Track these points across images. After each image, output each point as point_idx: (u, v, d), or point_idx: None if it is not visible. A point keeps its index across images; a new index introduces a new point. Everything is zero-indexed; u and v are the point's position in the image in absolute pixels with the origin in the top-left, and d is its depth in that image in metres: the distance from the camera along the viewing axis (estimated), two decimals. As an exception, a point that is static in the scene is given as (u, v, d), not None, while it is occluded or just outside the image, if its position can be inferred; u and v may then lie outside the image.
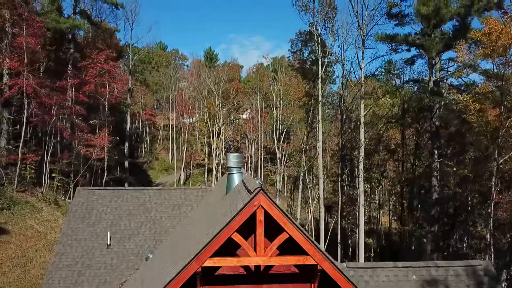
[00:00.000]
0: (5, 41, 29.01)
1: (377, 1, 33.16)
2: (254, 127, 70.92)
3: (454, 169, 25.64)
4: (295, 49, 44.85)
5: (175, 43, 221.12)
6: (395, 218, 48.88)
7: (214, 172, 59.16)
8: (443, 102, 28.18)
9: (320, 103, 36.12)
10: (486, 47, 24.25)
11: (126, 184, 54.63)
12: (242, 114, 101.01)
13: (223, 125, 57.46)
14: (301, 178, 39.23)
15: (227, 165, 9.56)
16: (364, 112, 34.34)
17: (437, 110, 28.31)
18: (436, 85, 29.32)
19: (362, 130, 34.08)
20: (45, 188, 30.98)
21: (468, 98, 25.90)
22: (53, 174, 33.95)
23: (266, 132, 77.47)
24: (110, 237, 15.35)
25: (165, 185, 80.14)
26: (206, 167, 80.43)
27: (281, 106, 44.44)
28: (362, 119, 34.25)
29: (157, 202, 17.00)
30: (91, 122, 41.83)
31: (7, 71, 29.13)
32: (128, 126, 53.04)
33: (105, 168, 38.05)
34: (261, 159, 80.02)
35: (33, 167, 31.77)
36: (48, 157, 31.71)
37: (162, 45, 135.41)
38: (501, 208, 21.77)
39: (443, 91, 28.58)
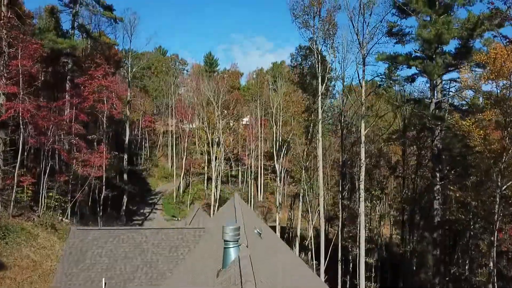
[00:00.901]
0: (1, 61, 28.57)
1: (378, 19, 32.78)
2: (254, 136, 70.49)
3: (457, 194, 25.23)
4: (295, 63, 44.41)
5: (176, 43, 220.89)
6: (396, 229, 48.56)
7: (213, 184, 58.59)
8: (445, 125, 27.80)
9: (320, 121, 35.70)
10: (492, 72, 23.89)
11: (125, 198, 54.35)
12: (242, 120, 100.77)
13: (222, 135, 56.88)
14: (301, 195, 38.81)
15: (223, 238, 9.12)
16: (364, 131, 33.98)
17: (439, 133, 27.90)
18: (438, 107, 28.93)
19: (362, 150, 33.67)
20: (42, 210, 30.58)
21: (471, 123, 25.48)
22: (50, 194, 33.57)
23: (267, 139, 77.10)
24: (105, 283, 14.97)
25: (164, 193, 79.84)
26: (206, 176, 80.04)
27: (280, 120, 43.99)
28: (362, 138, 33.83)
29: (154, 243, 16.60)
30: (90, 137, 41.48)
31: (2, 91, 28.73)
32: (127, 138, 52.57)
33: (103, 185, 37.58)
34: (261, 166, 79.70)
35: (30, 189, 31.37)
36: (46, 177, 31.34)
37: (161, 49, 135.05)
38: (504, 245, 21.35)
39: (445, 114, 28.15)
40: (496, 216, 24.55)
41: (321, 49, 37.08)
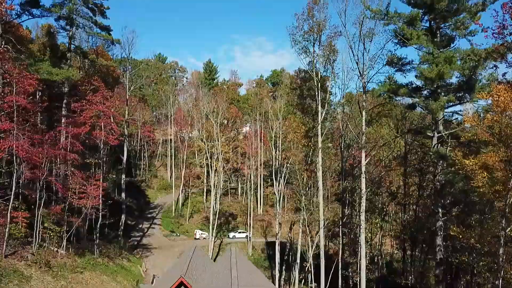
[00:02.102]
0: (-5, 94, 28.03)
1: (378, 47, 32.23)
2: (253, 151, 69.84)
3: (460, 236, 24.67)
4: (295, 86, 43.83)
5: (176, 45, 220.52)
6: (397, 246, 47.95)
7: (212, 198, 57.96)
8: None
9: (320, 150, 35.14)
10: (496, 114, 23.41)
11: (122, 217, 53.70)
12: (241, 129, 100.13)
13: (221, 149, 56.25)
14: (301, 221, 38.24)
15: None
16: (365, 161, 33.41)
17: (442, 169, 27.35)
18: (441, 141, 28.39)
19: (363, 180, 33.10)
20: (36, 244, 30.04)
21: (474, 163, 24.95)
22: (45, 224, 33.02)
23: (266, 148, 76.19)
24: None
25: (163, 206, 79.19)
26: (205, 188, 79.38)
27: (280, 143, 43.38)
28: (363, 169, 33.26)
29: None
30: (87, 160, 40.90)
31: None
32: (125, 157, 51.94)
33: (100, 214, 36.97)
34: (260, 177, 79.02)
35: (24, 222, 30.77)
36: (40, 209, 30.79)
37: (161, 56, 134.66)
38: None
39: (447, 150, 27.57)
40: (500, 258, 24.05)
41: (321, 75, 36.57)
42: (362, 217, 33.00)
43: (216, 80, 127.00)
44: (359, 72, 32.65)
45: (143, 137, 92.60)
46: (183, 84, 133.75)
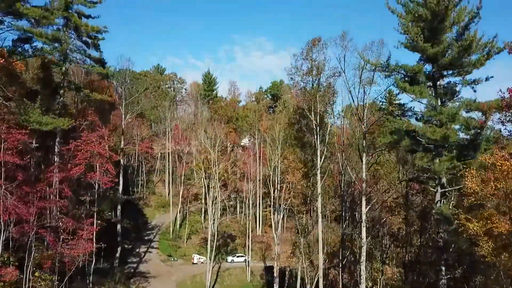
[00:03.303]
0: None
1: (377, 93, 31.44)
2: (252, 175, 68.78)
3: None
4: (294, 121, 42.93)
5: (178, 47, 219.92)
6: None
7: (210, 228, 56.97)
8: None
9: (320, 195, 34.20)
10: (498, 182, 22.50)
11: (118, 250, 52.62)
12: (241, 142, 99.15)
13: (218, 182, 55.27)
14: (299, 270, 37.31)
15: None
16: (366, 209, 32.48)
17: (444, 230, 26.39)
18: (444, 197, 27.44)
19: (363, 229, 32.27)
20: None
21: (479, 227, 24.01)
22: (36, 274, 32.07)
23: (265, 166, 74.96)
24: None
25: (161, 227, 78.18)
26: (203, 208, 78.30)
27: (278, 180, 42.34)
28: (363, 217, 32.43)
29: None
30: (81, 198, 39.97)
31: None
32: (121, 185, 50.98)
33: (93, 259, 36.04)
34: (259, 195, 78.00)
35: (14, 275, 29.79)
36: (31, 261, 29.84)
37: (159, 67, 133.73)
38: None
39: (450, 208, 26.60)
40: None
41: (321, 114, 35.65)
42: (363, 267, 32.14)
43: (215, 91, 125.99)
44: (359, 118, 31.80)
45: (141, 153, 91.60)
46: (182, 95, 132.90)
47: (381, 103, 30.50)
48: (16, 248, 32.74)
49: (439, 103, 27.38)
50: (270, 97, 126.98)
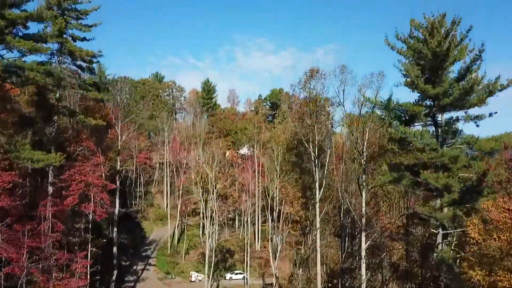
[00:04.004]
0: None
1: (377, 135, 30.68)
2: (251, 194, 67.96)
3: None
4: (292, 146, 42.20)
5: (178, 47, 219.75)
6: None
7: (207, 248, 56.17)
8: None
9: (318, 229, 33.48)
10: (502, 233, 21.79)
11: (115, 273, 51.80)
12: (239, 150, 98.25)
13: (217, 200, 54.54)
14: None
15: None
16: (365, 245, 31.76)
17: (446, 277, 25.69)
18: (444, 239, 26.71)
19: (363, 265, 31.53)
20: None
21: (482, 276, 23.28)
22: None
23: (264, 181, 74.09)
24: None
25: (159, 242, 77.42)
26: (202, 222, 77.47)
27: (276, 208, 41.58)
28: (363, 253, 31.71)
29: None
30: (76, 225, 39.27)
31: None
32: (117, 209, 50.26)
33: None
34: (258, 209, 77.15)
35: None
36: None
37: (158, 75, 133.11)
38: None
39: (451, 255, 25.86)
40: None
41: (319, 144, 34.96)
42: (362, 303, 31.42)
43: (214, 99, 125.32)
44: (358, 152, 31.08)
45: (139, 165, 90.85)
46: (181, 103, 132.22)
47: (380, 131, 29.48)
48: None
49: (441, 140, 26.68)
50: (270, 105, 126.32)
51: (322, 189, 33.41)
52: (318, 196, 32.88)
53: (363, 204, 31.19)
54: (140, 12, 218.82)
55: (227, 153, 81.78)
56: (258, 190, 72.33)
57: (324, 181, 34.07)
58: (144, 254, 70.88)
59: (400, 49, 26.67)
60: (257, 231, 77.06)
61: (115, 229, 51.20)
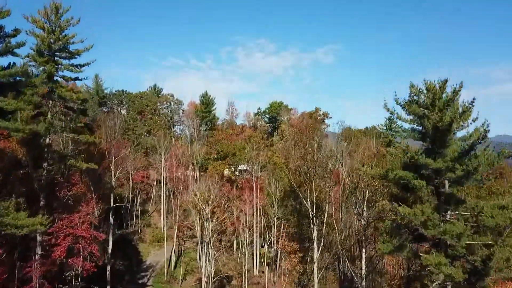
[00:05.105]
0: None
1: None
2: (249, 225, 66.82)
3: None
4: (289, 190, 41.03)
5: (179, 47, 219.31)
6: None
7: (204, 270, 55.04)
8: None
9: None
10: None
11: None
12: (239, 167, 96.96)
13: (212, 240, 53.40)
14: None
15: None
16: (364, 308, 30.63)
17: None
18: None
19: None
20: None
21: None
22: None
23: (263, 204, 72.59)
24: None
25: (155, 267, 76.31)
26: (199, 246, 76.28)
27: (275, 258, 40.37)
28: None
29: None
30: (65, 273, 38.24)
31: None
32: (110, 247, 49.15)
33: None
34: (256, 233, 75.91)
35: None
36: None
37: (156, 88, 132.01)
38: None
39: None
40: None
41: (316, 202, 33.84)
42: None
43: (213, 112, 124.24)
44: (358, 213, 29.98)
45: (136, 184, 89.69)
46: (179, 115, 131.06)
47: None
48: None
49: (442, 213, 25.53)
50: (268, 118, 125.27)
51: (320, 249, 32.30)
52: (316, 256, 31.78)
53: (363, 265, 30.07)
54: (140, 12, 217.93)
55: (225, 172, 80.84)
56: (257, 212, 71.35)
57: (322, 241, 32.94)
58: (140, 281, 69.69)
59: (399, 116, 25.60)
60: (255, 255, 75.98)
61: (108, 268, 50.00)
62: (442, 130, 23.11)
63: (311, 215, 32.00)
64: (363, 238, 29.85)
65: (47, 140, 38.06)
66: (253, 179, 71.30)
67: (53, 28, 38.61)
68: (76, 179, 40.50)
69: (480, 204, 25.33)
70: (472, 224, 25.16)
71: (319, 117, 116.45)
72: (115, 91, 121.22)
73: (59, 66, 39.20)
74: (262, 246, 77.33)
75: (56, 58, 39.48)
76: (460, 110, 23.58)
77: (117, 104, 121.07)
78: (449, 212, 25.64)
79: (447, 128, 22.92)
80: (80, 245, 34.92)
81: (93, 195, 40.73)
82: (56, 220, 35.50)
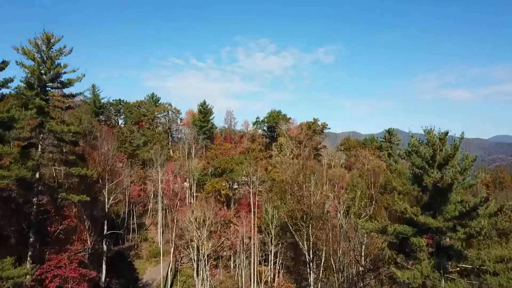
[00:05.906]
0: None
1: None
2: (246, 246, 65.96)
3: None
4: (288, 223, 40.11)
5: (179, 48, 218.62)
6: None
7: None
8: None
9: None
10: None
11: None
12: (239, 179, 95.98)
13: (207, 258, 52.52)
14: None
15: None
16: None
17: None
18: None
19: None
20: None
21: None
22: None
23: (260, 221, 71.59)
24: None
25: (151, 285, 75.38)
26: (196, 264, 75.29)
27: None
28: None
29: None
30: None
31: None
32: (104, 276, 48.25)
33: None
34: (254, 250, 74.94)
35: None
36: None
37: (154, 96, 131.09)
38: None
39: None
40: None
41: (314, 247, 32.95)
42: None
43: (211, 121, 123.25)
44: (356, 260, 29.09)
45: (132, 199, 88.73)
46: (177, 124, 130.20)
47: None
48: None
49: (442, 268, 24.62)
50: (267, 127, 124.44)
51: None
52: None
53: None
54: (141, 13, 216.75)
55: (223, 192, 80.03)
56: (254, 229, 70.44)
57: (319, 286, 32.05)
58: (136, 302, 68.89)
59: (398, 171, 24.72)
60: (252, 273, 75.04)
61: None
62: (442, 189, 22.20)
63: (307, 260, 31.12)
64: (361, 285, 28.97)
65: (36, 175, 37.03)
66: (251, 195, 70.59)
67: (44, 58, 37.61)
68: (68, 211, 39.54)
69: (482, 256, 24.48)
70: (474, 282, 24.29)
71: (317, 128, 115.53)
72: (113, 100, 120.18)
73: (50, 98, 38.29)
74: (260, 263, 76.61)
75: (47, 89, 38.57)
76: (460, 167, 22.69)
77: (114, 113, 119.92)
78: (449, 268, 24.76)
79: (448, 188, 22.02)
80: (69, 286, 34.00)
81: (86, 224, 39.76)
82: (46, 258, 34.60)
